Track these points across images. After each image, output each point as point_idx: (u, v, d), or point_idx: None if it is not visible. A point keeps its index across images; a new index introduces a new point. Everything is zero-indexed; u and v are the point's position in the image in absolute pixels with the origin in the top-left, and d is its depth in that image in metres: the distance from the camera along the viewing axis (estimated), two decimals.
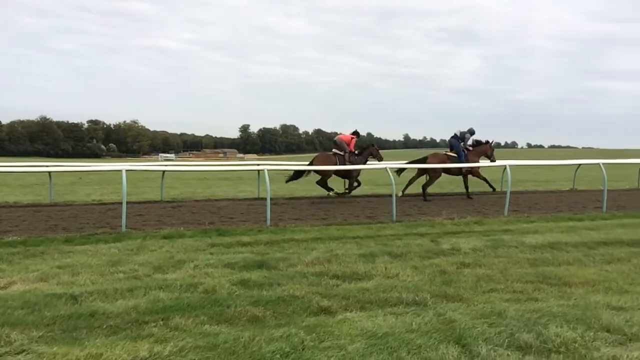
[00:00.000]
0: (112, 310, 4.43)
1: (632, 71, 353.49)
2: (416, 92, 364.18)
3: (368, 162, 14.02)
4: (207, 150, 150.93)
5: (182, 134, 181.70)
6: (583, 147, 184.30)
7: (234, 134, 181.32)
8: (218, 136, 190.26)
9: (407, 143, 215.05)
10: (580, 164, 16.19)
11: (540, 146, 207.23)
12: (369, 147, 14.31)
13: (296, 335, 3.83)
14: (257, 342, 3.72)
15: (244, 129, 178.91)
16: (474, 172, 13.98)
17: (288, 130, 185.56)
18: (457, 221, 9.60)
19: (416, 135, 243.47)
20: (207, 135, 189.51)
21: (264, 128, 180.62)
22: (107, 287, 5.13)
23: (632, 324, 4.06)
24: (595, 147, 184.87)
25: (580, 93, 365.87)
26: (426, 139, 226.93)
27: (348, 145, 13.80)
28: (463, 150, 13.98)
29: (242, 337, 3.78)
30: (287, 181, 14.09)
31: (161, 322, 4.16)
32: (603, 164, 12.26)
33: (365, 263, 6.29)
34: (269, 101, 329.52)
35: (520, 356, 3.52)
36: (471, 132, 14.33)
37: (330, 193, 13.84)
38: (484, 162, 13.98)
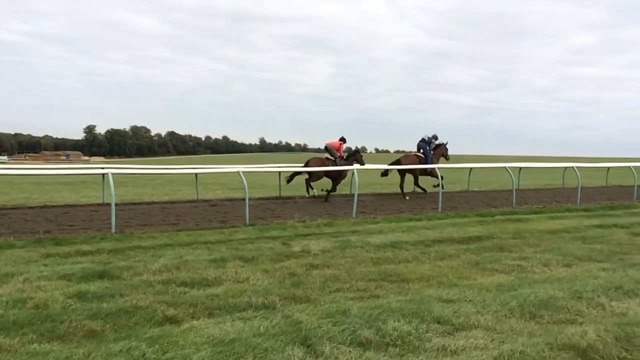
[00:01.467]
0: None
1: (463, 84, 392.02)
2: (271, 96, 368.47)
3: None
4: (47, 152, 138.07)
5: (16, 134, 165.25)
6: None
7: (78, 134, 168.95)
8: (59, 137, 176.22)
9: (263, 147, 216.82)
10: (419, 169, 17.49)
11: (387, 151, 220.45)
12: (355, 153, 15.93)
13: (137, 348, 3.64)
14: (92, 358, 3.46)
15: (89, 129, 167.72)
16: (433, 172, 15.34)
17: (139, 132, 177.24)
18: (308, 223, 9.85)
19: (272, 139, 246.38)
20: (46, 135, 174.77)
21: (112, 129, 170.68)
22: None
23: (459, 315, 4.46)
24: None
25: (421, 102, 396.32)
26: (282, 143, 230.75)
27: (337, 150, 15.29)
28: (430, 152, 16.08)
29: (75, 355, 3.50)
30: (287, 182, 15.29)
31: None
32: (438, 168, 13.39)
33: (216, 268, 6.19)
34: (117, 101, 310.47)
35: (361, 352, 3.68)
36: (435, 137, 16.42)
37: (310, 193, 15.18)
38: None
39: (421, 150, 16.20)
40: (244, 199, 10.44)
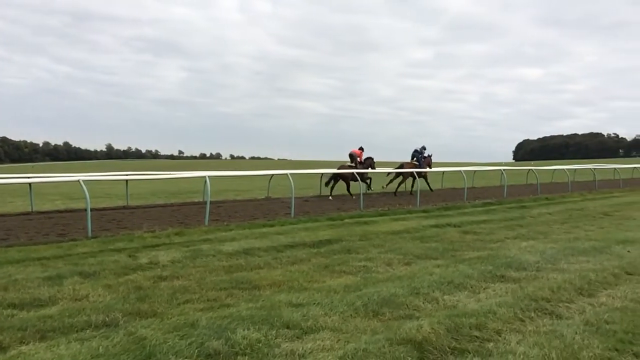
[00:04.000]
0: None
1: (315, 92, 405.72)
2: (119, 100, 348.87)
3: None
4: None
5: None
6: (279, 159, 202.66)
7: None
8: None
9: (111, 154, 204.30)
10: (273, 174, 17.65)
11: (242, 157, 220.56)
12: (368, 159, 18.96)
13: None
14: None
15: None
16: (425, 175, 19.99)
17: None
18: (157, 233, 9.43)
19: (120, 145, 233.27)
20: None
21: None
22: None
23: (307, 318, 4.56)
24: (289, 158, 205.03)
25: (275, 109, 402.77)
26: (131, 149, 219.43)
27: (359, 157, 18.69)
28: (422, 159, 20.05)
29: None
30: (326, 184, 18.31)
31: None
32: (291, 174, 13.63)
33: (50, 287, 5.66)
34: None
35: None
36: (424, 148, 20.40)
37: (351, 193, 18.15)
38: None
39: (414, 159, 20.19)
40: (85, 210, 9.70)
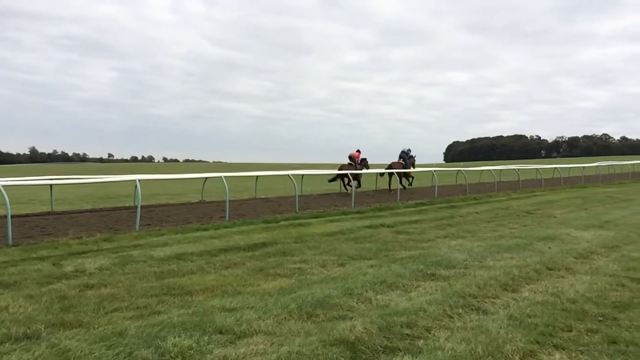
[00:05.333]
0: None
1: (250, 94, 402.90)
2: (43, 101, 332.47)
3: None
4: None
5: None
6: (214, 161, 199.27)
7: None
8: None
9: (35, 157, 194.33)
10: (207, 177, 17.39)
11: (176, 160, 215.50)
12: (363, 160, 22.28)
13: None
14: None
15: None
16: (409, 175, 23.22)
17: None
18: (84, 240, 9.06)
19: (45, 148, 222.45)
20: None
21: None
22: None
23: (241, 323, 4.51)
24: (224, 161, 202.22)
25: (209, 111, 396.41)
26: (57, 152, 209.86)
27: (357, 158, 22.01)
28: (408, 159, 23.17)
29: None
30: (329, 181, 22.01)
31: None
32: (225, 176, 13.47)
33: None
34: None
35: None
36: (409, 150, 23.61)
37: (348, 190, 20.52)
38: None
39: (402, 159, 23.10)
40: (5, 217, 9.18)
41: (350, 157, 22.17)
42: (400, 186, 20.51)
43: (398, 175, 20.73)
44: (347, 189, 21.17)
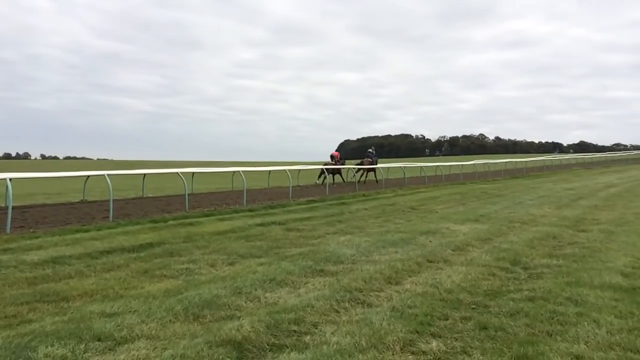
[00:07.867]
0: None
1: (137, 88, 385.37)
2: None
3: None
4: None
5: None
6: (98, 159, 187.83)
7: None
8: None
9: None
10: (89, 175, 16.40)
11: (56, 157, 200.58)
12: (341, 159, 27.56)
13: None
14: None
15: None
16: (375, 170, 27.54)
17: None
18: None
19: None
20: None
21: None
22: None
23: (122, 328, 4.30)
24: (110, 158, 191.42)
25: (93, 105, 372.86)
26: None
27: (337, 157, 26.89)
28: (373, 157, 27.64)
29: None
30: (318, 177, 26.12)
31: None
32: (108, 175, 12.78)
33: None
34: None
35: None
36: (374, 149, 28.91)
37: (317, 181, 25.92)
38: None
39: (369, 158, 27.25)
40: None
41: (332, 156, 27.10)
42: (362, 180, 26.57)
43: (369, 171, 26.87)
44: (334, 182, 25.83)
